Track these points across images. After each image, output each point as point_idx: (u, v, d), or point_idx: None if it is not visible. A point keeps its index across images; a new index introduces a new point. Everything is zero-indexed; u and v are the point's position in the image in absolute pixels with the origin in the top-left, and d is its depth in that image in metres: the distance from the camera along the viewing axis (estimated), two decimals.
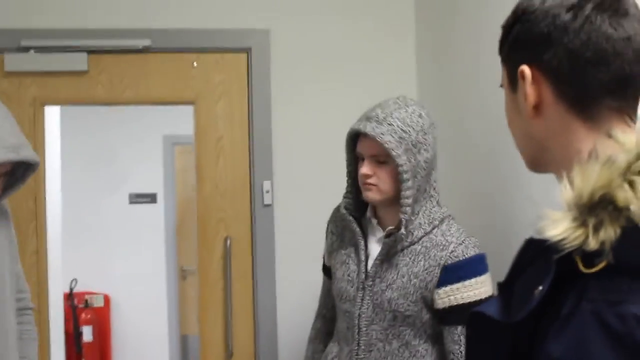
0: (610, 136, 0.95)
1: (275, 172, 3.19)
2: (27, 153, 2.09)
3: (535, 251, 0.99)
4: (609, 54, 0.96)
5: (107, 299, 6.80)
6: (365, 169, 2.09)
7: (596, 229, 0.85)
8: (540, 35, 0.99)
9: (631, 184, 0.86)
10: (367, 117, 2.09)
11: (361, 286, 2.15)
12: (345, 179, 2.25)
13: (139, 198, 7.04)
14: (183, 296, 7.09)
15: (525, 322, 0.93)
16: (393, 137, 2.02)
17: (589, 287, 0.86)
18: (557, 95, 0.99)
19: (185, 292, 7.07)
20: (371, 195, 2.11)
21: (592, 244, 0.85)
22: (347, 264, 2.20)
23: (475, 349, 1.07)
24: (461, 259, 2.07)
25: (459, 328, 2.04)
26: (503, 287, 1.07)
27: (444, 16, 2.96)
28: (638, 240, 0.85)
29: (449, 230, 2.12)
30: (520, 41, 1.03)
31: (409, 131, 2.05)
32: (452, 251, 2.08)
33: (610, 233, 0.84)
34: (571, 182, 0.90)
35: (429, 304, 2.09)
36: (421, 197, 2.10)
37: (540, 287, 0.91)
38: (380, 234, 2.17)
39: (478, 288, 2.05)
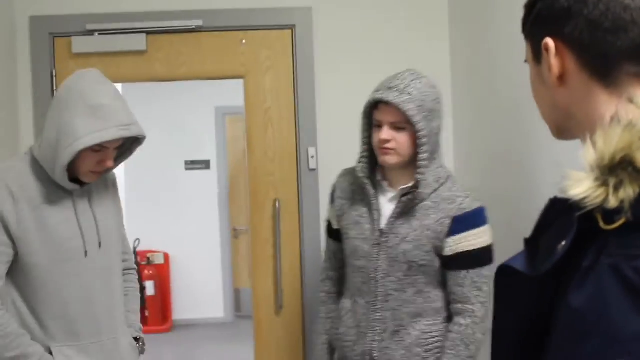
0: (631, 101, 0.94)
1: (319, 139, 3.21)
2: (137, 130, 2.14)
3: (559, 209, 0.98)
4: (627, 22, 0.95)
5: (166, 257, 6.92)
6: (385, 134, 2.14)
7: (616, 189, 0.85)
8: (562, 10, 0.98)
9: None
10: (387, 87, 2.14)
11: (376, 242, 2.20)
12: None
13: (194, 164, 7.10)
14: (235, 253, 7.16)
15: (549, 275, 0.93)
16: (413, 104, 2.08)
17: (609, 243, 0.86)
18: (579, 64, 0.98)
19: (237, 250, 7.15)
20: (389, 159, 2.16)
21: (612, 202, 0.85)
22: (361, 223, 2.24)
23: (503, 301, 1.07)
24: (468, 210, 2.16)
25: (462, 272, 2.14)
26: (529, 243, 1.07)
27: None
28: None
29: (454, 187, 2.21)
30: (543, 17, 1.02)
31: (426, 100, 2.11)
32: (460, 204, 2.16)
33: (629, 192, 0.84)
34: (594, 145, 0.90)
35: (439, 252, 2.17)
36: (431, 159, 2.16)
37: (564, 242, 0.91)
38: (390, 194, 2.23)
39: (481, 237, 2.16)
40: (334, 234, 2.39)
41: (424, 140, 2.10)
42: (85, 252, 2.17)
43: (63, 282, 2.14)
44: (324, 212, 3.17)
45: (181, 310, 7.02)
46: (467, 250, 2.14)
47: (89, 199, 2.23)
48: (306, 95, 3.21)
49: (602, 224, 0.88)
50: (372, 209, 2.22)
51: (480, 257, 2.14)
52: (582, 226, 0.90)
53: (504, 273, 1.04)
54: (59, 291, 2.13)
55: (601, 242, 0.88)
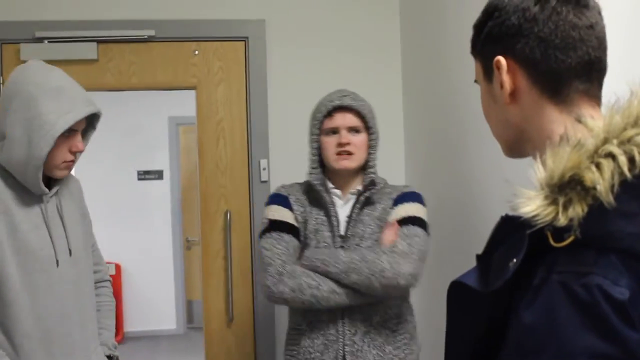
0: (579, 121, 0.96)
1: (271, 151, 3.19)
2: (98, 107, 2.10)
3: (510, 227, 0.99)
4: (576, 40, 0.97)
5: (118, 268, 6.81)
6: (345, 138, 2.21)
7: (565, 207, 0.86)
8: (512, 27, 1.00)
9: (598, 166, 0.86)
10: (342, 96, 2.25)
11: (339, 247, 2.22)
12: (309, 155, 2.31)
13: (146, 175, 7.04)
14: (188, 265, 7.11)
15: (500, 291, 0.94)
16: (367, 110, 2.25)
17: (558, 260, 0.87)
18: (531, 81, 1.00)
19: (190, 261, 7.09)
20: (348, 163, 2.24)
21: (562, 220, 0.86)
22: (320, 231, 2.24)
23: (455, 317, 1.07)
24: (407, 192, 2.31)
25: (404, 226, 2.18)
26: (481, 259, 1.07)
27: (427, 6, 2.95)
28: (603, 217, 0.85)
29: (394, 187, 2.35)
30: (494, 35, 1.04)
31: (370, 108, 2.28)
32: (401, 190, 2.32)
33: (578, 210, 0.85)
34: (544, 164, 0.90)
35: None
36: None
37: (515, 260, 0.92)
38: (341, 200, 2.29)
39: (418, 209, 2.24)
40: (294, 232, 2.26)
41: (375, 142, 2.26)
42: (57, 262, 2.05)
43: (36, 294, 2.00)
44: None
45: (133, 322, 6.93)
46: (404, 217, 2.21)
47: (57, 206, 2.12)
48: (258, 107, 3.18)
49: (552, 242, 0.88)
50: (331, 216, 2.25)
51: (414, 220, 2.20)
52: (532, 243, 0.90)
53: (456, 289, 1.05)
54: (32, 305, 1.99)
55: (551, 259, 0.88)
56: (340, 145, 2.21)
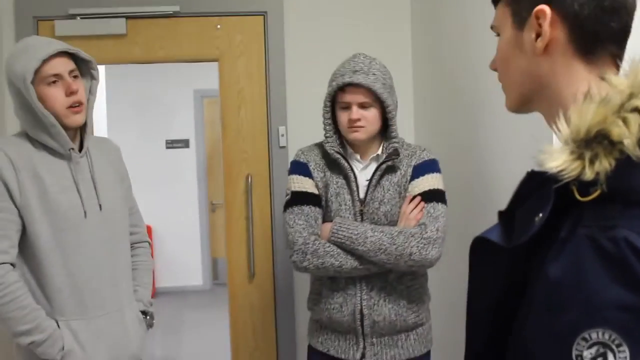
0: (603, 79, 0.92)
1: (289, 118, 3.17)
2: (72, 48, 2.07)
3: (536, 182, 0.95)
4: (621, 7, 0.93)
5: (149, 229, 6.83)
6: (355, 114, 2.16)
7: (592, 161, 0.83)
8: None
9: (624, 121, 0.83)
10: (353, 71, 2.15)
11: (358, 211, 2.20)
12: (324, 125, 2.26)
13: (174, 143, 7.06)
14: (213, 226, 7.15)
15: (524, 246, 0.90)
16: (379, 84, 2.14)
17: (584, 214, 0.83)
18: (569, 37, 0.94)
19: (214, 222, 7.13)
20: (359, 135, 2.19)
21: (588, 175, 0.82)
22: (342, 194, 2.21)
23: (477, 272, 1.03)
24: (426, 159, 2.23)
25: (428, 204, 2.15)
26: (503, 215, 1.03)
27: None
28: (630, 170, 0.82)
29: (410, 146, 2.28)
30: None
31: (386, 78, 2.19)
32: (419, 155, 2.24)
33: (605, 165, 0.82)
34: (567, 120, 0.87)
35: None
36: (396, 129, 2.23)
37: (541, 214, 0.88)
38: (361, 165, 2.25)
39: (436, 181, 2.21)
40: (315, 201, 2.23)
41: (393, 113, 2.18)
42: (85, 213, 2.05)
43: (66, 252, 2.02)
44: None
45: (163, 278, 7.00)
46: (425, 190, 2.17)
47: (90, 167, 2.12)
48: (277, 77, 3.16)
49: (577, 196, 0.85)
50: (350, 180, 2.21)
51: (436, 194, 2.18)
52: (557, 198, 0.87)
53: (479, 245, 1.00)
54: (63, 261, 2.01)
55: (577, 214, 0.85)
56: (350, 120, 2.16)
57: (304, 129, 3.12)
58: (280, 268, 3.20)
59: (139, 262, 2.33)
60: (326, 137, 2.24)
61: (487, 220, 1.08)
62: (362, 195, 2.21)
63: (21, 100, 2.01)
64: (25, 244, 2.01)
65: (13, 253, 1.98)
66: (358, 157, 2.25)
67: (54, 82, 2.01)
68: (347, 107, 2.17)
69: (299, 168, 2.28)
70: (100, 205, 2.10)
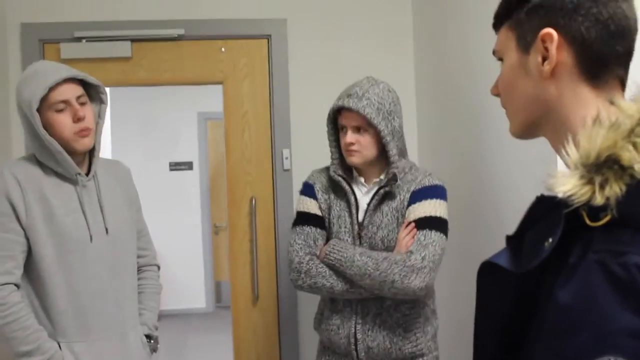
0: (612, 103, 0.91)
1: (293, 141, 3.17)
2: (79, 73, 2.06)
3: (545, 207, 0.94)
4: (626, 30, 0.93)
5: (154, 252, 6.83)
6: (349, 138, 2.16)
7: (602, 186, 0.82)
8: (570, 3, 0.93)
9: (635, 145, 0.82)
10: (347, 95, 2.15)
11: (357, 234, 2.19)
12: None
13: (177, 166, 7.07)
14: (216, 248, 7.13)
15: (532, 272, 0.89)
16: (372, 108, 2.11)
17: (594, 239, 0.82)
18: (576, 60, 0.94)
19: (218, 245, 7.11)
20: (355, 159, 2.18)
21: (599, 199, 0.81)
22: (343, 217, 2.21)
23: (485, 296, 1.02)
24: (427, 185, 2.17)
25: (420, 232, 2.08)
26: (512, 240, 1.02)
27: (439, 3, 2.92)
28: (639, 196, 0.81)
29: (417, 171, 2.23)
30: (546, 7, 0.95)
31: (384, 102, 2.14)
32: (420, 180, 2.18)
33: (615, 189, 0.81)
34: (576, 144, 0.86)
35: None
36: (400, 154, 2.19)
37: (551, 239, 0.87)
38: (365, 188, 2.24)
39: (435, 207, 2.12)
40: (317, 221, 2.26)
41: (387, 138, 2.12)
42: (91, 237, 2.04)
43: (70, 274, 2.01)
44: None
45: (166, 301, 6.92)
46: (420, 217, 2.10)
47: (97, 190, 2.12)
48: (281, 100, 3.17)
49: (587, 221, 0.83)
50: (350, 204, 2.21)
51: (430, 221, 2.09)
52: (567, 223, 0.85)
53: (487, 270, 0.99)
54: (66, 283, 2.00)
55: (587, 239, 0.83)
56: (346, 144, 2.17)
57: (308, 151, 3.13)
58: (284, 291, 3.18)
59: (146, 285, 2.31)
60: (332, 160, 2.26)
61: (492, 240, 1.07)
62: (360, 219, 2.20)
63: (29, 126, 2.01)
64: (30, 266, 2.00)
65: (17, 274, 1.97)
66: (362, 180, 2.25)
67: (62, 109, 2.01)
68: (344, 130, 2.19)
69: (306, 189, 2.32)
70: (106, 229, 2.10)
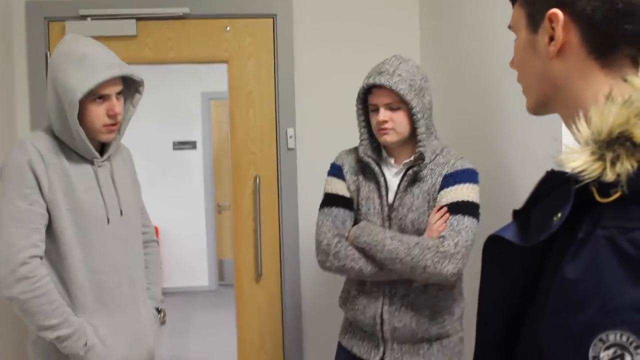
0: (625, 81, 0.90)
1: (298, 120, 3.16)
2: (127, 69, 2.04)
3: (555, 182, 0.94)
4: (637, 8, 0.90)
5: (156, 230, 6.85)
6: (382, 116, 2.09)
7: (613, 163, 0.81)
8: None
9: None
10: (378, 72, 2.09)
11: (387, 216, 2.15)
12: (357, 127, 2.21)
13: (181, 145, 7.07)
14: (219, 227, 7.15)
15: (538, 246, 0.89)
16: (404, 85, 2.05)
17: (604, 215, 0.82)
18: (582, 40, 0.92)
19: (221, 224, 7.13)
20: (389, 138, 2.12)
21: (609, 176, 0.81)
22: (371, 198, 2.17)
23: (490, 271, 1.02)
24: (459, 168, 2.11)
25: (453, 217, 2.04)
26: (519, 214, 1.02)
27: None
28: None
29: (449, 153, 2.17)
30: None
31: (415, 79, 2.08)
32: (452, 164, 2.13)
33: (627, 166, 0.81)
34: (588, 121, 0.86)
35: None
36: (428, 132, 2.12)
37: (560, 214, 0.87)
38: (394, 169, 2.18)
39: (467, 191, 2.08)
40: (345, 203, 2.22)
41: (418, 115, 2.07)
42: (108, 220, 2.06)
43: (88, 249, 2.02)
44: (302, 187, 3.16)
45: (170, 279, 6.99)
46: (453, 202, 2.06)
47: (110, 171, 2.12)
48: (285, 79, 3.15)
49: (597, 197, 0.83)
50: (380, 185, 2.16)
51: (463, 206, 2.06)
52: (576, 199, 0.85)
53: (494, 243, 0.99)
54: (85, 258, 2.01)
55: (596, 215, 0.83)
56: (378, 122, 2.11)
57: (313, 130, 3.12)
58: (287, 270, 3.19)
59: (150, 260, 2.34)
60: (361, 140, 2.20)
61: (502, 223, 1.06)
62: (391, 200, 2.16)
63: (59, 106, 1.99)
64: (50, 239, 2.00)
65: (42, 247, 1.97)
66: (392, 161, 2.20)
67: (100, 99, 2.00)
68: (376, 109, 2.12)
69: (334, 170, 2.28)
70: (121, 211, 2.12)
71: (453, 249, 1.99)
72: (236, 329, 3.24)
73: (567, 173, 0.85)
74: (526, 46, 1.01)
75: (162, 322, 2.31)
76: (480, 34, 2.43)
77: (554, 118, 1.03)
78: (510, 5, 1.07)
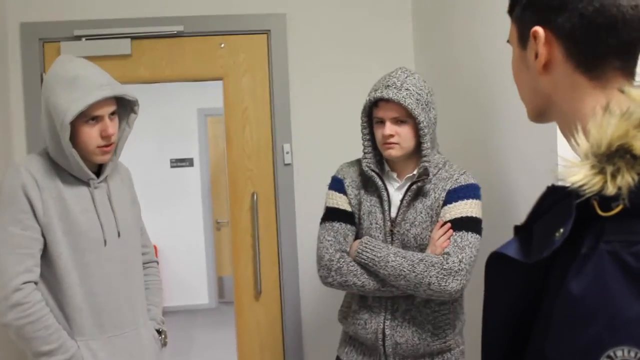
0: (622, 92, 0.90)
1: (294, 136, 3.16)
2: (119, 89, 2.02)
3: (556, 197, 0.92)
4: (619, 21, 0.89)
5: (155, 248, 6.82)
6: (388, 130, 2.08)
7: (614, 176, 0.81)
8: (555, 0, 0.92)
9: None
10: (385, 86, 2.07)
11: (389, 231, 2.14)
12: (359, 141, 2.19)
13: (178, 162, 7.06)
14: (218, 243, 7.13)
15: (541, 262, 0.88)
16: (412, 99, 2.04)
17: (606, 230, 0.81)
18: (567, 55, 0.93)
19: (219, 240, 7.11)
20: (394, 152, 2.11)
21: (610, 189, 0.80)
22: (374, 213, 2.16)
23: (493, 287, 1.01)
24: (463, 184, 2.11)
25: (456, 233, 2.03)
26: (520, 230, 1.00)
27: (439, 5, 2.90)
28: None
29: (452, 168, 2.16)
30: (535, 4, 0.96)
31: (422, 93, 2.08)
32: (456, 179, 2.12)
33: (627, 179, 0.80)
34: (587, 134, 0.85)
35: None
36: (431, 147, 2.12)
37: (562, 230, 0.85)
38: (397, 184, 2.17)
39: (470, 207, 2.07)
40: (347, 217, 2.20)
41: (425, 130, 2.06)
42: (105, 242, 2.04)
43: (86, 271, 2.00)
44: (299, 202, 3.16)
45: (169, 298, 6.96)
46: (456, 217, 2.06)
47: (107, 192, 2.11)
48: (281, 95, 3.16)
49: (599, 211, 0.82)
50: (383, 199, 2.15)
51: (467, 222, 2.05)
52: (578, 213, 0.84)
53: (496, 260, 0.98)
54: (82, 281, 1.99)
55: (598, 229, 0.82)
56: (384, 137, 2.09)
57: (309, 146, 3.12)
58: (287, 286, 3.17)
59: (150, 281, 2.32)
60: (364, 154, 2.18)
61: (502, 236, 1.06)
62: (393, 215, 2.14)
63: (52, 128, 1.98)
64: (46, 263, 1.98)
65: (37, 272, 1.96)
66: (395, 175, 2.19)
67: (93, 120, 1.98)
68: (381, 122, 2.11)
69: (335, 184, 2.26)
70: (118, 232, 2.10)
71: (457, 265, 1.98)
72: (236, 347, 3.23)
73: (567, 188, 0.85)
74: (518, 62, 1.02)
75: (164, 344, 2.28)
76: (475, 45, 2.43)
77: (551, 129, 1.03)
78: (502, 16, 1.08)
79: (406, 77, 2.09)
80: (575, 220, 0.84)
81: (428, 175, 2.09)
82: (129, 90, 2.07)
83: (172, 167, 7.03)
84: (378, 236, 2.14)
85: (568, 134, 0.93)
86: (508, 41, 1.07)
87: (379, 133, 2.12)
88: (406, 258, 2.02)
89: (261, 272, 3.17)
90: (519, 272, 0.94)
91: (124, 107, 2.14)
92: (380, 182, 2.15)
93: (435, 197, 2.11)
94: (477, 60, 2.41)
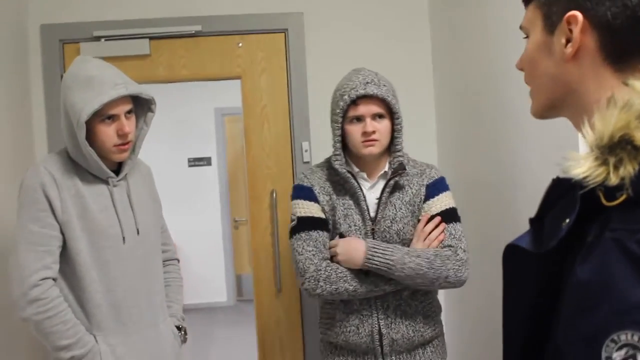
0: (626, 84, 0.91)
1: (312, 133, 3.17)
2: (135, 88, 2.05)
3: (562, 189, 0.95)
4: None
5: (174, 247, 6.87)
6: (370, 126, 2.11)
7: (616, 167, 0.82)
8: None
9: None
10: (364, 83, 2.10)
11: (370, 230, 2.15)
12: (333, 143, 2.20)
13: (196, 161, 7.11)
14: (236, 242, 7.16)
15: (554, 252, 0.90)
16: (389, 94, 2.12)
17: (611, 218, 0.83)
18: (599, 45, 0.92)
19: (237, 239, 7.14)
20: (375, 149, 2.14)
21: (613, 180, 0.82)
22: (350, 215, 2.16)
23: (510, 279, 1.03)
24: (436, 178, 2.21)
25: (449, 225, 2.15)
26: (533, 222, 1.03)
27: (455, 6, 2.90)
28: None
29: (416, 163, 2.25)
30: None
31: (393, 90, 2.15)
32: (429, 173, 2.21)
33: (629, 169, 0.82)
34: (592, 127, 0.86)
35: (418, 219, 2.18)
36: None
37: (567, 220, 0.88)
38: (369, 183, 2.19)
39: (450, 199, 2.19)
40: (322, 225, 2.17)
41: (401, 125, 2.14)
42: (124, 239, 2.08)
43: (105, 268, 2.04)
44: None
45: (188, 295, 6.98)
46: (443, 210, 2.16)
47: (127, 190, 2.14)
48: (299, 93, 3.17)
49: (604, 201, 0.84)
50: (359, 200, 2.15)
51: (453, 214, 2.17)
52: (584, 204, 0.86)
53: (511, 252, 1.00)
54: (102, 277, 2.03)
55: (603, 218, 0.84)
56: (365, 134, 2.11)
57: (327, 143, 3.10)
58: None
59: (171, 279, 2.36)
60: (335, 156, 2.17)
61: (512, 229, 1.07)
62: (372, 214, 2.16)
63: (70, 128, 2.01)
64: (65, 260, 2.02)
65: (55, 268, 2.00)
66: (365, 175, 2.20)
67: (109, 119, 2.02)
68: (360, 120, 2.12)
69: (304, 192, 2.22)
70: (137, 230, 2.13)
71: (465, 255, 2.10)
72: (257, 344, 3.24)
73: (572, 179, 0.87)
74: (540, 47, 1.01)
75: (183, 340, 2.31)
76: (487, 36, 2.43)
77: (563, 125, 1.03)
78: (519, 3, 1.07)
79: (376, 74, 2.15)
80: (583, 211, 0.87)
81: (405, 169, 2.14)
82: (145, 89, 2.10)
83: (189, 166, 7.08)
84: (358, 237, 2.15)
85: (581, 126, 0.93)
86: (521, 27, 1.06)
87: (355, 131, 2.12)
88: (421, 256, 2.06)
89: (281, 270, 3.19)
90: (533, 264, 0.96)
91: (141, 106, 2.17)
92: (355, 183, 2.15)
93: (413, 192, 2.16)
94: (488, 54, 2.41)
